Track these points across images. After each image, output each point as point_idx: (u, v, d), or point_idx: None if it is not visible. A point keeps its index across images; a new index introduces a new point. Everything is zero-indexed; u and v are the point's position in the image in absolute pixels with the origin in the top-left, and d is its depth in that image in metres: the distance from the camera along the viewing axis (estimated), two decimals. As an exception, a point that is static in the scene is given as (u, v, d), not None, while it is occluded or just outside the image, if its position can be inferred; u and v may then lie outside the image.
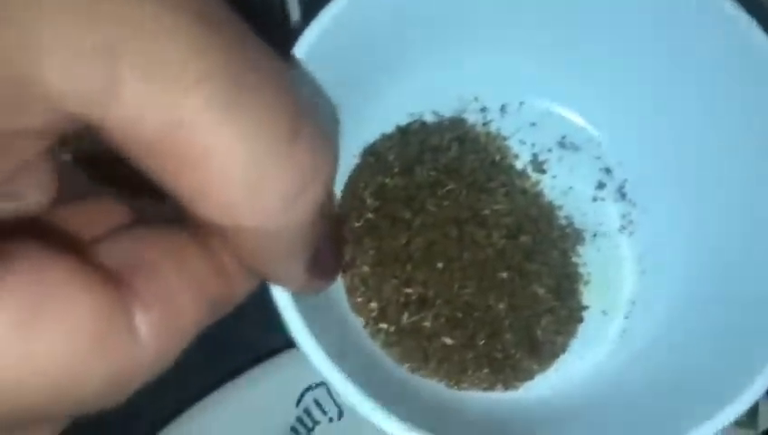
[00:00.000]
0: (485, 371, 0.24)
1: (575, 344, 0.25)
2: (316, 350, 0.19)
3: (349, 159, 0.26)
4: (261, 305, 0.18)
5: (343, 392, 0.19)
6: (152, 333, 0.12)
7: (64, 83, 0.11)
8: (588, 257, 0.26)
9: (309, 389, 0.28)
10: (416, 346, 0.24)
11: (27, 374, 0.11)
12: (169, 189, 0.13)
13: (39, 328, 0.11)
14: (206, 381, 0.28)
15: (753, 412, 0.28)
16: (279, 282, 0.18)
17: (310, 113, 0.13)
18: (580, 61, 0.26)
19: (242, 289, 0.15)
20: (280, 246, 0.14)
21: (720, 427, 0.18)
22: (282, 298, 0.19)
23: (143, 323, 0.12)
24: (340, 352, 0.19)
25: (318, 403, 0.28)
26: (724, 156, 0.23)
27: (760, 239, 0.22)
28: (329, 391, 0.27)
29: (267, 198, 0.13)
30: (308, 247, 0.15)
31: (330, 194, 0.21)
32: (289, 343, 0.22)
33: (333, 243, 0.21)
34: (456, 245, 0.24)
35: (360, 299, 0.24)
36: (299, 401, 0.28)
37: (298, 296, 0.19)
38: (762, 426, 0.28)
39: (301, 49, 0.21)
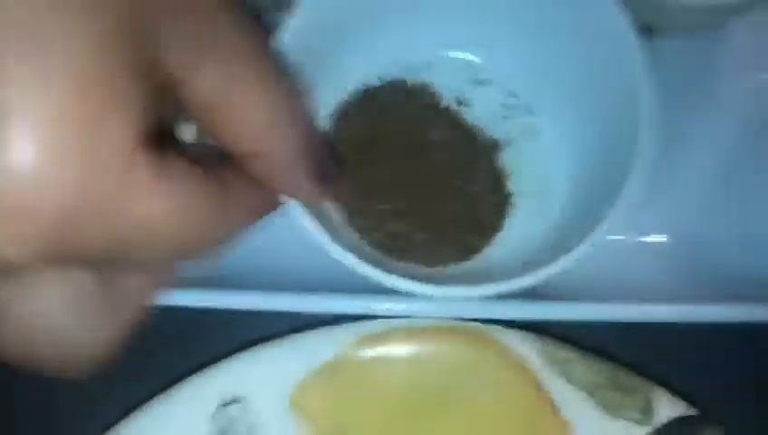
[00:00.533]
0: (450, 251, 0.34)
1: (508, 221, 0.35)
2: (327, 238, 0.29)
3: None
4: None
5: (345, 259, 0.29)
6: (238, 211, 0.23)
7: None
8: (508, 159, 0.36)
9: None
10: (399, 244, 0.34)
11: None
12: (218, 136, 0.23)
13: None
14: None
15: (647, 408, 0.32)
16: (292, 191, 0.28)
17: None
18: (482, 17, 0.35)
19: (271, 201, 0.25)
20: (287, 163, 0.24)
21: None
22: (298, 210, 0.29)
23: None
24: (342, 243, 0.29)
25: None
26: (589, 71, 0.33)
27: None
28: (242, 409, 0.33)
29: (275, 134, 0.23)
30: (308, 160, 0.25)
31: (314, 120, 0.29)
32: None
33: (327, 154, 0.28)
34: (413, 168, 0.34)
35: (353, 219, 0.34)
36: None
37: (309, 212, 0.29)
38: (657, 421, 0.32)
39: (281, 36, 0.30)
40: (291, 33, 0.30)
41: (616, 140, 0.31)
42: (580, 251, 0.29)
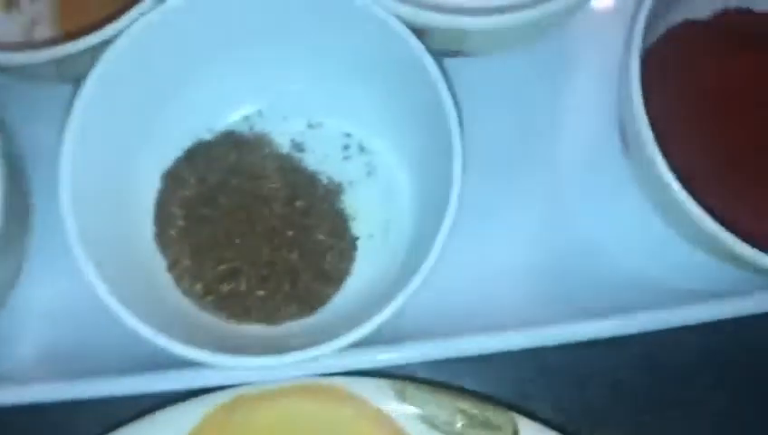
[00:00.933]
0: (294, 306, 0.32)
1: (355, 266, 0.34)
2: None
3: (153, 184, 0.34)
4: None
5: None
6: None
7: None
8: (350, 201, 0.34)
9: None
10: (237, 304, 0.32)
11: None
12: None
13: None
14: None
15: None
16: None
17: None
18: (304, 63, 0.34)
19: None
20: None
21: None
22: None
23: None
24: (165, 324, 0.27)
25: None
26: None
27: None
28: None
29: None
30: None
31: None
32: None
33: None
34: (247, 223, 0.33)
35: (187, 285, 0.32)
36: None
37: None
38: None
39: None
40: (88, 98, 0.29)
41: (437, 171, 0.30)
42: (410, 289, 0.28)
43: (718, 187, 0.31)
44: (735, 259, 0.30)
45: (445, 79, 0.30)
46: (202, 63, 0.33)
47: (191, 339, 0.28)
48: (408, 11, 0.30)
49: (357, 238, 0.34)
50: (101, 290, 0.28)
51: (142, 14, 0.30)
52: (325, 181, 0.34)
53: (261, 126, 0.35)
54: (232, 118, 0.35)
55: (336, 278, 0.33)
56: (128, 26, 0.30)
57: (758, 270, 0.30)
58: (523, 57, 0.36)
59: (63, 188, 0.29)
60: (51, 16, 0.36)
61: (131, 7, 0.32)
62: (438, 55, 0.31)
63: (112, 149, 0.31)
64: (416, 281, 0.28)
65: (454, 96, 0.29)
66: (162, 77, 0.32)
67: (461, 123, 0.30)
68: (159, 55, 0.31)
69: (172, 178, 0.34)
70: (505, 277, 0.34)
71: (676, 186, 0.29)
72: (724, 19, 0.36)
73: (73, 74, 0.32)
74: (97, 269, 0.28)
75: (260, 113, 0.35)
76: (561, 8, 0.30)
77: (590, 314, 0.32)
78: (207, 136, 0.35)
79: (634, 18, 0.31)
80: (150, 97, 0.32)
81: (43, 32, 0.35)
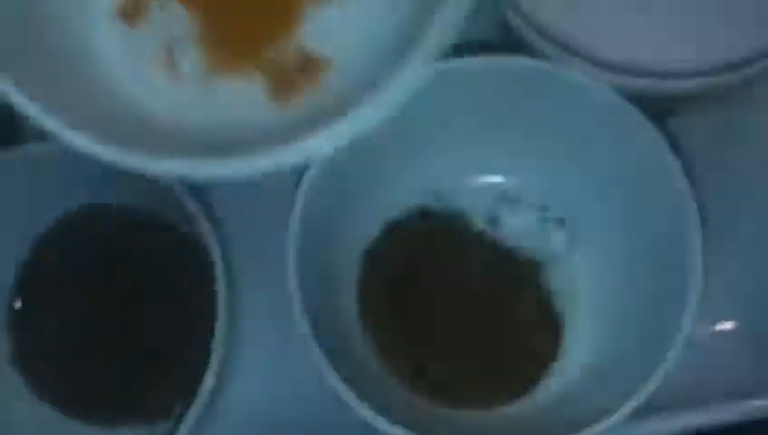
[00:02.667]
0: (504, 387, 0.31)
1: (563, 348, 0.32)
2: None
3: (355, 262, 0.33)
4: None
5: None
6: None
7: None
8: (552, 277, 0.33)
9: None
10: (447, 389, 0.31)
11: None
12: None
13: None
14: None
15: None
16: None
17: None
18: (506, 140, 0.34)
19: None
20: None
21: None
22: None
23: None
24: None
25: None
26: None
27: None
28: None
29: None
30: None
31: None
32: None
33: None
34: (452, 304, 0.32)
35: (394, 367, 0.32)
36: None
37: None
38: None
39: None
40: (308, 189, 0.29)
41: (663, 255, 0.29)
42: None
43: None
44: None
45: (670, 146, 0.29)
46: (406, 143, 0.33)
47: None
48: (629, 81, 0.29)
49: (562, 316, 0.33)
50: (333, 378, 0.27)
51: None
52: (524, 257, 0.34)
53: (454, 202, 0.35)
54: (428, 194, 0.35)
55: (544, 360, 0.32)
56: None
57: None
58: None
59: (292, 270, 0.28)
60: (193, 32, 0.28)
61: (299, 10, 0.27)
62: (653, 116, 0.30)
63: (324, 229, 0.31)
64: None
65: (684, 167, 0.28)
66: (370, 159, 0.32)
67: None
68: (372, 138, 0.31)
69: (372, 256, 0.34)
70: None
71: None
72: None
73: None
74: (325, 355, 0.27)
75: (455, 188, 0.35)
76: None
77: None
78: (404, 214, 0.34)
79: None
80: (358, 179, 0.32)
81: (188, 56, 0.28)
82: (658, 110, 0.32)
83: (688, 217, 0.28)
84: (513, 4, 0.31)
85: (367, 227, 0.34)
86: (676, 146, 0.32)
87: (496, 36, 0.32)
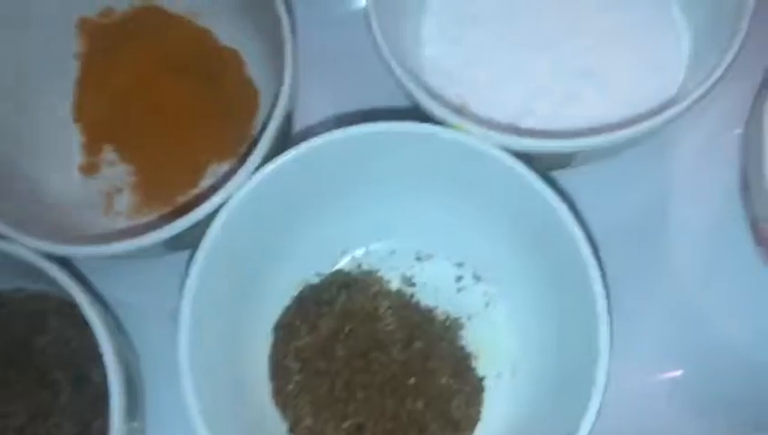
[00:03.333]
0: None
1: (485, 411, 0.31)
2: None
3: (264, 338, 0.32)
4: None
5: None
6: None
7: None
8: (470, 337, 0.32)
9: None
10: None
11: None
12: None
13: None
14: None
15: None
16: None
17: None
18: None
19: None
20: None
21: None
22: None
23: None
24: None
25: None
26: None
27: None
28: None
29: None
30: None
31: None
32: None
33: None
34: (366, 372, 0.31)
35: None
36: None
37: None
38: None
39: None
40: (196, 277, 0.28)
41: (573, 309, 0.28)
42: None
43: None
44: None
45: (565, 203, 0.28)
46: (309, 213, 0.32)
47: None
48: (516, 141, 0.29)
49: (483, 379, 0.32)
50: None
51: (246, 180, 0.29)
52: (442, 317, 0.33)
53: (369, 263, 0.34)
54: (339, 259, 0.34)
55: (466, 425, 0.31)
56: (232, 193, 0.29)
57: None
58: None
59: (183, 363, 0.27)
60: (131, 183, 0.37)
61: (204, 171, 0.36)
62: (546, 170, 0.30)
63: (225, 310, 0.30)
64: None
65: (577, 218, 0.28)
66: (270, 233, 0.31)
67: (596, 252, 0.28)
68: (266, 213, 0.30)
69: (284, 330, 0.32)
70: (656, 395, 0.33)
71: None
72: None
73: (180, 245, 0.31)
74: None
75: (367, 251, 0.34)
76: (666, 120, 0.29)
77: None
78: (316, 280, 0.33)
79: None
80: (259, 253, 0.31)
81: (124, 199, 0.36)
82: (555, 164, 0.32)
83: (590, 270, 0.27)
84: (412, 74, 0.31)
85: (277, 299, 0.33)
86: (574, 198, 0.32)
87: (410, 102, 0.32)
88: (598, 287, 0.27)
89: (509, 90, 0.34)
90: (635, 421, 0.32)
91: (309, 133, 0.32)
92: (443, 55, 0.35)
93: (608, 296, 0.27)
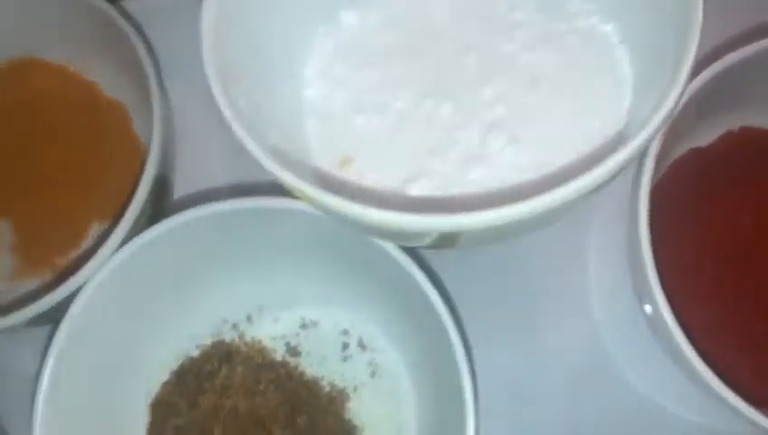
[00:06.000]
0: None
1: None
2: None
3: (140, 417, 0.31)
4: None
5: None
6: None
7: None
8: (357, 408, 0.31)
9: None
10: None
11: None
12: None
13: None
14: None
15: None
16: None
17: None
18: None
19: None
20: None
21: None
22: None
23: None
24: None
25: None
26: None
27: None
28: None
29: None
30: None
31: None
32: None
33: None
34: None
35: None
36: None
37: None
38: None
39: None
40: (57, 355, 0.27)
41: (440, 370, 0.28)
42: None
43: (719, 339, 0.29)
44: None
45: (436, 288, 0.27)
46: (187, 283, 0.31)
47: None
48: (394, 218, 0.26)
49: (367, 450, 0.31)
50: None
51: (115, 251, 0.28)
52: (327, 389, 0.32)
53: (251, 332, 0.32)
54: (220, 328, 0.32)
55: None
56: (101, 266, 0.28)
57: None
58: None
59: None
60: (9, 242, 0.35)
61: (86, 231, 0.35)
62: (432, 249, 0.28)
63: (94, 386, 0.29)
64: None
65: (448, 301, 0.27)
66: (144, 304, 0.30)
67: (459, 324, 0.27)
68: (136, 286, 0.29)
69: (162, 407, 0.31)
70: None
71: (681, 340, 0.26)
72: (729, 141, 0.33)
73: (44, 321, 0.30)
74: None
75: (249, 319, 0.33)
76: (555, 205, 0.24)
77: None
78: (196, 352, 0.32)
79: (639, 171, 0.28)
80: (133, 325, 0.30)
81: (1, 260, 0.35)
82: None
83: (455, 348, 0.26)
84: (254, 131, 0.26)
85: (155, 373, 0.31)
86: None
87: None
88: (465, 377, 0.26)
89: (400, 144, 0.29)
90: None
91: (190, 202, 0.30)
92: (326, 98, 0.30)
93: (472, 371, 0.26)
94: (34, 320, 0.29)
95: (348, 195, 0.24)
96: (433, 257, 0.32)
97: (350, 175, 0.28)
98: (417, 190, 0.28)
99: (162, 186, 0.32)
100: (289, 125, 0.29)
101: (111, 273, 0.28)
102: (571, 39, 0.29)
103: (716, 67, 0.29)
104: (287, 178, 0.24)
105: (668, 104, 0.24)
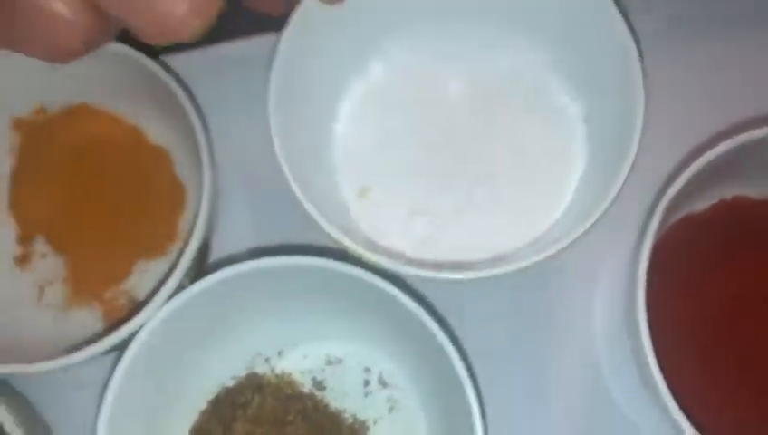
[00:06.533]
0: None
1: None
2: None
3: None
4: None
5: None
6: None
7: None
8: (376, 440, 0.35)
9: None
10: None
11: None
12: None
13: None
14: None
15: None
16: None
17: None
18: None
19: None
20: None
21: None
22: None
23: None
24: None
25: None
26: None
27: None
28: None
29: None
30: None
31: None
32: None
33: None
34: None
35: None
36: None
37: None
38: None
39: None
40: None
41: (453, 411, 0.31)
42: None
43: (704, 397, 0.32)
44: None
45: (447, 334, 0.30)
46: (225, 326, 0.34)
47: None
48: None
49: (386, 481, 0.34)
50: None
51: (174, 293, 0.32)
52: (350, 421, 0.35)
53: (281, 366, 0.36)
54: (253, 362, 0.36)
55: None
56: (159, 307, 0.31)
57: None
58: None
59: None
60: (62, 275, 0.39)
61: (131, 268, 0.38)
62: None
63: (143, 416, 0.32)
64: None
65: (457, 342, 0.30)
66: (187, 346, 0.33)
67: (470, 368, 0.30)
68: (182, 331, 0.32)
69: (200, 433, 0.34)
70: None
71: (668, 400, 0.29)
72: (722, 209, 0.36)
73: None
74: None
75: (280, 354, 0.36)
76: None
77: None
78: (231, 383, 0.35)
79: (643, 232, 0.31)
80: (177, 363, 0.33)
81: (55, 292, 0.38)
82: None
83: (465, 388, 0.30)
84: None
85: (194, 402, 0.35)
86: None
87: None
88: (476, 417, 0.29)
89: (409, 181, 0.36)
90: None
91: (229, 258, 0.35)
92: (353, 135, 0.36)
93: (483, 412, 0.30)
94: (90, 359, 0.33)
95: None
96: (442, 303, 0.35)
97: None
98: (420, 225, 0.35)
99: (204, 249, 0.36)
100: (320, 157, 0.35)
101: (162, 321, 0.31)
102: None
103: (719, 150, 0.31)
104: (346, 242, 0.31)
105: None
